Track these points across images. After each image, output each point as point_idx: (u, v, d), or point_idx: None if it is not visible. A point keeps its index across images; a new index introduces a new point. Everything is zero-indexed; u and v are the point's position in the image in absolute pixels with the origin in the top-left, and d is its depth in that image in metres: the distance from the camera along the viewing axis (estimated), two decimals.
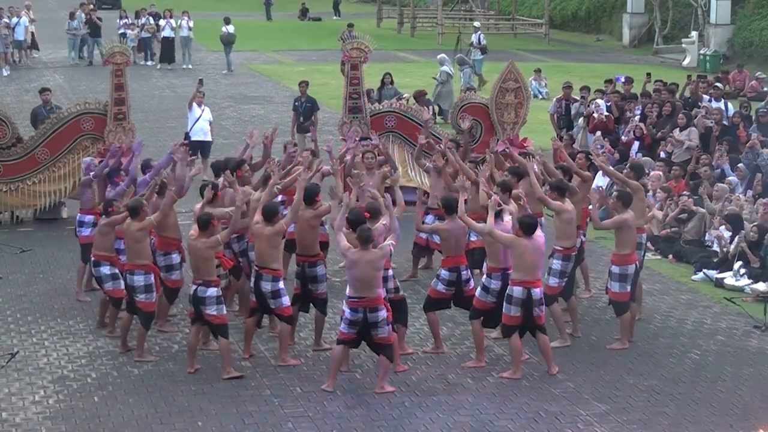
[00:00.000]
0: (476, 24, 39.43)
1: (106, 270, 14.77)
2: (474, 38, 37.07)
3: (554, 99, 27.09)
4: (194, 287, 13.61)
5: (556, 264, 14.77)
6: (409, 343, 14.55)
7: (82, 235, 16.26)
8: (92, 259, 14.91)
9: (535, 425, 12.56)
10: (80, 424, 12.43)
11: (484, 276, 14.11)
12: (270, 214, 13.85)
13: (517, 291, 13.51)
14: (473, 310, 14.13)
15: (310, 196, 14.35)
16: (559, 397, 13.29)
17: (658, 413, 12.90)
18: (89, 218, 16.23)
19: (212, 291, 13.54)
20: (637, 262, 14.89)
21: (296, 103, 25.31)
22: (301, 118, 25.03)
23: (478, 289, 14.10)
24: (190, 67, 40.87)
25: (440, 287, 14.40)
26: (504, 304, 13.66)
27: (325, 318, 14.61)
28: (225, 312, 13.70)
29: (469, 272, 14.44)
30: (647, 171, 20.73)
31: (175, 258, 14.87)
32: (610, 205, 15.12)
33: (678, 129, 22.90)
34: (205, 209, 14.10)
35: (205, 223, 13.62)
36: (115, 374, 13.77)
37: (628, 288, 14.68)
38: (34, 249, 18.92)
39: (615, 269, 14.68)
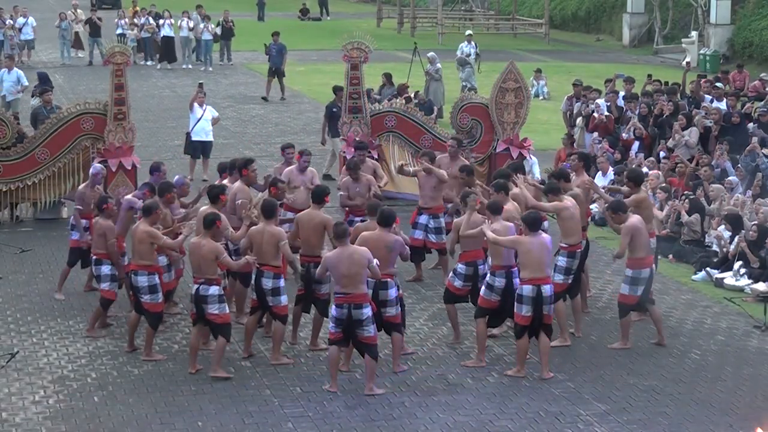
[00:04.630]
0: (468, 32, 38.43)
1: (106, 270, 14.81)
2: (469, 49, 36.13)
3: (565, 97, 27.08)
4: (196, 286, 13.60)
5: (561, 261, 14.80)
6: (409, 343, 14.55)
7: (71, 238, 16.25)
8: (93, 257, 14.94)
9: (535, 425, 12.56)
10: (80, 424, 12.43)
11: (488, 274, 14.15)
12: (270, 212, 13.87)
13: (526, 289, 13.53)
14: (478, 309, 14.16)
15: (320, 195, 14.45)
16: (559, 397, 13.30)
17: (658, 413, 12.90)
18: (82, 222, 16.19)
19: (214, 289, 13.52)
20: (653, 266, 14.84)
21: (334, 110, 24.56)
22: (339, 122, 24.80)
23: (483, 287, 14.14)
24: (190, 67, 40.88)
25: (457, 283, 14.53)
26: (515, 304, 13.68)
27: (324, 319, 14.62)
28: (227, 311, 13.68)
29: (486, 267, 14.46)
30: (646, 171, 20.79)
31: (161, 260, 14.81)
32: (613, 219, 15.02)
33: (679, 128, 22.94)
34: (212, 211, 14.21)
35: (210, 223, 13.58)
36: (115, 374, 13.77)
37: (638, 292, 14.64)
38: (34, 249, 18.92)
39: (627, 272, 14.68)
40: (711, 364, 14.43)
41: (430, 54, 32.11)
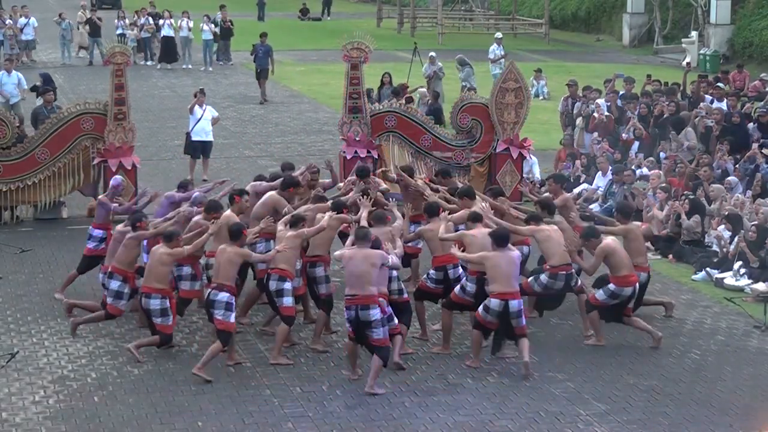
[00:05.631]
0: (498, 35, 37.87)
1: (114, 285, 14.74)
2: (500, 51, 35.71)
3: (562, 98, 27.07)
4: (209, 291, 13.72)
5: (543, 277, 15.00)
6: (408, 344, 14.56)
7: (87, 247, 16.26)
8: (108, 270, 14.93)
9: (535, 425, 12.56)
10: (80, 424, 12.43)
11: (464, 278, 14.47)
12: (294, 222, 14.21)
13: (494, 303, 13.74)
14: (448, 301, 14.51)
15: (338, 208, 14.78)
16: (559, 397, 13.30)
17: (658, 413, 12.91)
18: (98, 233, 16.20)
19: (223, 296, 13.59)
20: (636, 286, 14.83)
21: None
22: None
23: (458, 286, 14.42)
24: (190, 67, 40.89)
25: (430, 285, 14.85)
26: (481, 309, 13.85)
27: (328, 318, 14.69)
28: (232, 320, 13.70)
29: (459, 270, 14.63)
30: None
31: (186, 270, 14.86)
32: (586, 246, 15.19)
33: (674, 132, 22.91)
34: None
35: (236, 234, 13.80)
36: (115, 374, 13.77)
37: (610, 303, 14.71)
38: (34, 249, 18.92)
39: (611, 285, 14.73)
40: (711, 364, 14.43)
41: (431, 54, 31.98)
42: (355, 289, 13.20)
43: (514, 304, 13.71)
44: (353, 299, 13.20)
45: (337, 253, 13.68)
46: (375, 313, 13.17)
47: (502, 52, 34.95)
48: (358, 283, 13.17)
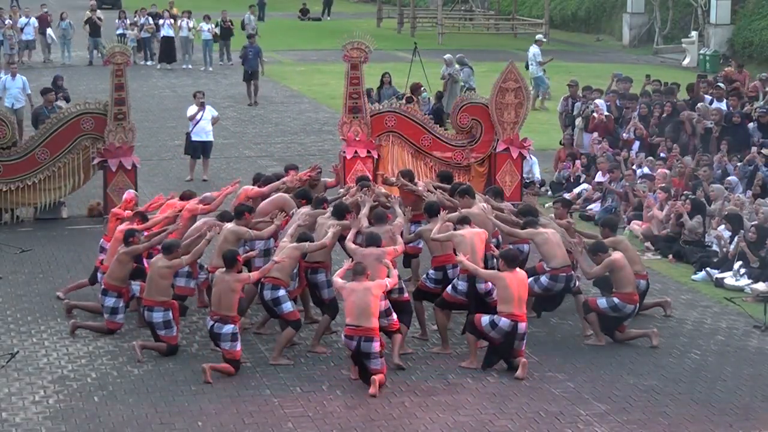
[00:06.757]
0: (539, 36, 37.22)
1: (110, 302, 14.82)
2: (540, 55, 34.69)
3: (561, 98, 27.05)
4: (211, 323, 13.69)
5: (543, 279, 15.11)
6: (408, 344, 14.57)
7: (99, 258, 16.27)
8: (102, 286, 15.01)
9: (535, 425, 12.56)
10: (80, 424, 12.43)
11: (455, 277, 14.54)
12: (300, 239, 14.35)
13: (503, 323, 13.71)
14: (441, 300, 14.54)
15: (341, 211, 14.85)
16: (559, 397, 13.30)
17: (658, 413, 12.91)
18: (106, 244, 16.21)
19: (228, 328, 13.61)
20: (636, 306, 14.93)
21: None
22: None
23: (450, 285, 14.47)
24: (190, 67, 40.87)
25: (429, 284, 14.91)
26: (486, 322, 13.79)
27: (330, 321, 14.72)
28: (238, 348, 13.74)
29: (458, 270, 14.63)
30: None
31: (183, 269, 14.88)
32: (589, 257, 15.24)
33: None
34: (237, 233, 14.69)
35: (231, 261, 13.75)
36: (115, 374, 13.77)
37: (609, 314, 14.77)
38: (34, 249, 18.91)
39: (615, 299, 14.77)
40: (711, 364, 14.43)
41: (447, 56, 31.67)
42: (358, 320, 13.22)
43: (522, 327, 13.73)
44: (356, 329, 13.21)
45: (339, 281, 13.61)
46: (376, 345, 13.23)
47: (539, 59, 34.61)
48: (362, 315, 13.21)
